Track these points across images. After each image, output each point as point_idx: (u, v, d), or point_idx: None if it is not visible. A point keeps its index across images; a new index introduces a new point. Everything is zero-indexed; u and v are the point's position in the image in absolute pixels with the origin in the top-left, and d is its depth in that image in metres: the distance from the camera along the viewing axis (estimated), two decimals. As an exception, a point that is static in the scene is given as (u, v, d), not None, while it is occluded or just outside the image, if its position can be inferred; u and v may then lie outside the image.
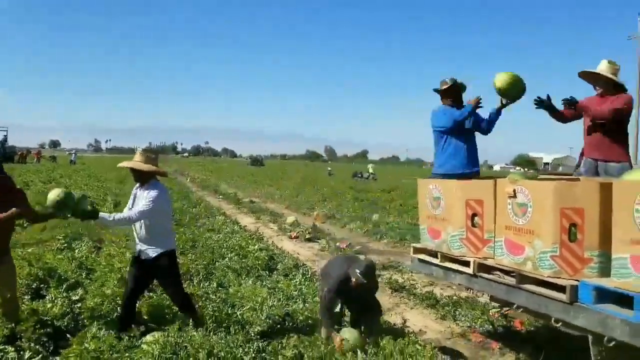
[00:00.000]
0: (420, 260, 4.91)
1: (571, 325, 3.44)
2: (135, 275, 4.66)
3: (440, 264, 4.56)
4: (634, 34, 28.97)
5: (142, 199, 4.50)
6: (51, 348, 4.28)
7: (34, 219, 4.94)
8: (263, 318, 5.09)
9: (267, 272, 7.24)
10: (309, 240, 11.08)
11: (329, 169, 52.58)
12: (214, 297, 5.78)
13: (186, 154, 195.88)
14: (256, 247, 8.66)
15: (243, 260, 7.70)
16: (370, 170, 42.99)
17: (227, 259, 7.69)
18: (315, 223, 12.98)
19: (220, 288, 6.27)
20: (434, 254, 4.70)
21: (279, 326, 4.98)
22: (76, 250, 7.97)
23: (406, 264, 8.64)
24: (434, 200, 4.69)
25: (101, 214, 4.34)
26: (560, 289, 3.40)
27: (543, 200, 3.59)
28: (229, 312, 5.29)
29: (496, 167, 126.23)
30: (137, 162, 4.60)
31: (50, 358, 4.12)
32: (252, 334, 4.64)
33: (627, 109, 4.82)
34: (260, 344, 4.34)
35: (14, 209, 4.21)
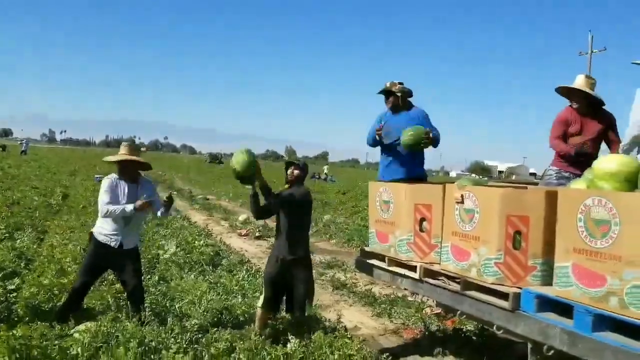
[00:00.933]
0: (368, 264, 4.85)
1: (512, 332, 3.46)
2: (98, 267, 4.74)
3: (388, 267, 4.52)
4: (584, 52, 29.96)
5: (145, 192, 4.64)
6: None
7: None
8: (201, 311, 5.16)
9: (211, 268, 7.29)
10: (258, 237, 11.17)
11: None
12: (153, 289, 5.82)
13: (144, 149, 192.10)
14: (202, 242, 8.70)
15: (188, 255, 7.73)
16: (325, 172, 43.23)
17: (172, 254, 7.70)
18: (266, 222, 13.05)
19: (161, 282, 6.31)
20: (381, 258, 4.65)
21: (216, 319, 5.05)
22: (18, 241, 7.84)
23: (352, 265, 8.86)
24: (384, 204, 4.65)
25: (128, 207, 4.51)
26: (503, 296, 3.40)
27: (490, 206, 3.59)
28: (167, 304, 5.35)
29: (452, 174, 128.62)
30: (133, 156, 4.69)
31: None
32: (189, 326, 4.71)
33: None
34: (194, 336, 4.41)
35: None
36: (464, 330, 5.43)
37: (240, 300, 5.71)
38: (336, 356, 4.03)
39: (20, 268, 6.36)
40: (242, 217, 13.45)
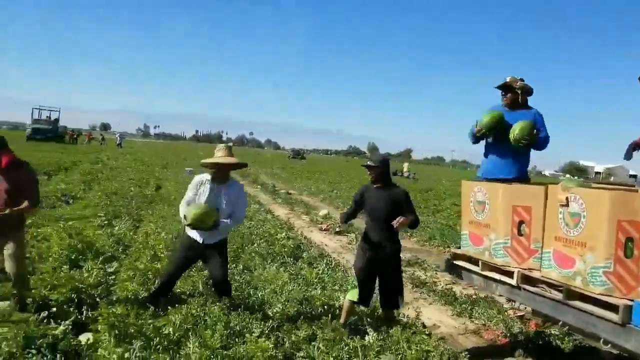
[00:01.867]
0: (460, 267, 4.64)
1: (621, 347, 3.28)
2: (187, 259, 4.91)
3: (481, 272, 4.31)
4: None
5: (232, 194, 4.77)
6: (84, 313, 4.64)
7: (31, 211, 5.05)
8: (282, 300, 5.33)
9: (292, 260, 7.49)
10: (338, 233, 11.28)
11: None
12: (238, 277, 6.09)
13: (231, 144, 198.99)
14: (284, 235, 8.93)
15: (270, 247, 7.98)
16: (406, 169, 42.71)
17: (255, 245, 7.97)
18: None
19: (245, 271, 6.57)
20: (474, 261, 4.44)
21: (296, 309, 5.20)
22: (116, 227, 8.42)
23: (433, 264, 8.76)
24: (478, 204, 4.42)
25: (222, 223, 4.67)
26: (612, 308, 3.18)
27: (598, 210, 3.33)
28: (251, 292, 5.58)
29: (545, 174, 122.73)
30: (232, 157, 4.81)
31: (82, 321, 4.47)
32: (270, 314, 4.91)
33: None
34: (276, 323, 4.59)
35: (26, 203, 4.44)
36: (547, 333, 5.25)
37: (319, 291, 5.84)
38: (413, 351, 4.06)
39: (118, 253, 6.86)
40: (322, 212, 13.64)
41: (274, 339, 3.99)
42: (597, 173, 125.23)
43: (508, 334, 5.40)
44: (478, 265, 4.35)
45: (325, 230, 11.55)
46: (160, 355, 3.65)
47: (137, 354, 3.61)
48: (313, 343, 4.21)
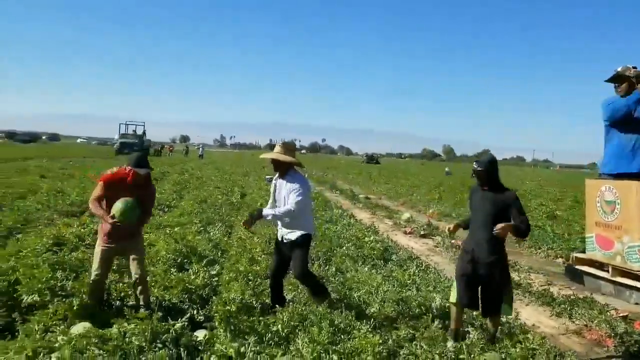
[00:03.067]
0: (584, 273, 4.37)
1: None
2: (278, 258, 5.18)
3: (612, 278, 4.08)
4: None
5: (285, 189, 5.00)
6: (194, 311, 4.98)
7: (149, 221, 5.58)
8: (378, 301, 5.46)
9: (382, 262, 7.59)
10: (423, 236, 11.26)
11: (447, 169, 51.61)
12: (332, 279, 6.27)
13: (304, 151, 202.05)
14: (372, 238, 9.06)
15: (359, 250, 8.12)
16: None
17: (344, 248, 8.15)
18: (430, 220, 13.10)
19: (338, 273, 6.75)
20: (602, 267, 4.21)
21: (392, 309, 5.31)
22: (211, 233, 8.88)
23: (525, 265, 8.58)
24: (607, 205, 4.19)
25: (264, 211, 4.94)
26: None
27: None
28: (347, 293, 5.74)
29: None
30: (278, 153, 5.07)
31: (195, 316, 4.80)
32: (368, 313, 5.05)
33: None
34: (377, 322, 4.72)
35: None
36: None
37: (415, 292, 5.91)
38: (518, 349, 4.05)
39: (217, 257, 7.24)
40: (405, 216, 13.64)
41: (379, 336, 4.11)
42: None
43: (612, 334, 5.24)
44: (607, 271, 4.10)
45: (409, 233, 11.56)
46: (273, 349, 3.88)
47: (252, 348, 3.85)
48: (414, 342, 4.31)
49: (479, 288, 4.40)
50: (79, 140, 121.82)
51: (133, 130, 52.41)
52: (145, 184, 4.82)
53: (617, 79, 4.69)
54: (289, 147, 5.21)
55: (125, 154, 44.22)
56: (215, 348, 3.93)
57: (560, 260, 8.78)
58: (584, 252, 5.00)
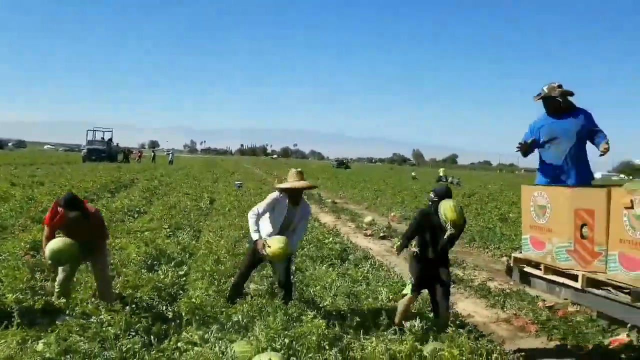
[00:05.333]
0: (521, 271, 4.76)
1: None
2: (255, 263, 5.56)
3: (544, 276, 4.43)
4: None
5: (299, 214, 5.35)
6: (163, 307, 5.51)
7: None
8: (331, 295, 6.08)
9: (339, 261, 8.22)
10: (382, 238, 11.95)
11: (413, 173, 52.76)
12: (292, 277, 6.88)
13: (275, 156, 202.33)
14: (331, 240, 9.69)
15: (319, 250, 8.75)
16: (441, 174, 42.96)
17: (305, 249, 8.76)
18: (390, 223, 13.81)
19: (298, 271, 7.35)
20: (536, 265, 4.55)
21: (344, 302, 5.92)
22: (180, 237, 9.38)
23: (471, 263, 9.32)
24: (539, 209, 4.50)
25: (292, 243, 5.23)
26: None
27: None
28: (304, 289, 6.35)
29: (597, 175, 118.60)
30: (304, 182, 5.39)
31: (164, 311, 5.33)
32: (321, 306, 5.67)
33: None
34: (326, 312, 5.34)
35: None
36: (572, 320, 5.79)
37: (364, 287, 6.56)
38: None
39: (185, 258, 7.77)
40: (367, 219, 14.33)
41: (326, 322, 4.71)
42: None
43: (536, 321, 5.97)
44: (540, 269, 4.47)
45: (369, 235, 12.25)
46: (233, 335, 4.46)
47: (215, 335, 4.42)
48: (360, 329, 4.93)
49: (429, 291, 5.13)
50: (46, 147, 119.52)
51: (101, 137, 52.05)
52: (82, 221, 5.10)
53: (544, 99, 5.10)
54: (301, 173, 5.48)
55: (93, 160, 43.94)
56: (182, 336, 4.48)
57: (505, 258, 9.57)
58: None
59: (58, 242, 4.92)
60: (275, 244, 4.92)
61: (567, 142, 5.06)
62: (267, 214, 5.29)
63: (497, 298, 6.90)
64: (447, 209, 4.86)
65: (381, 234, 12.23)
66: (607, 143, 4.88)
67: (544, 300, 6.61)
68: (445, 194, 5.10)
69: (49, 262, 5.09)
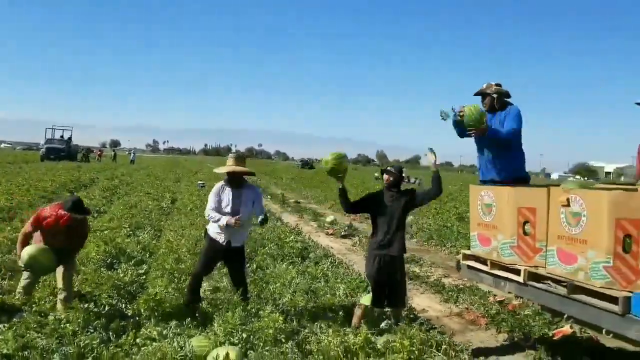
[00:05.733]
0: (469, 267, 4.92)
1: (623, 337, 3.51)
2: (212, 260, 5.47)
3: (490, 271, 4.54)
4: None
5: (246, 197, 5.30)
6: (123, 305, 5.54)
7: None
8: (290, 292, 6.21)
9: (299, 259, 8.35)
10: (344, 237, 12.15)
11: (376, 174, 53.26)
12: (252, 275, 6.98)
13: (238, 153, 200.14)
14: (292, 239, 9.82)
15: (280, 249, 8.86)
16: (404, 175, 43.56)
17: (266, 248, 8.86)
18: (351, 222, 14.02)
19: (258, 269, 7.46)
20: (483, 261, 4.72)
21: (302, 298, 6.05)
22: (140, 236, 9.35)
23: (428, 261, 9.59)
24: (486, 207, 4.66)
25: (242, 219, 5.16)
26: (613, 300, 3.38)
27: (598, 209, 3.53)
28: (263, 286, 6.46)
29: (554, 176, 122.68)
30: (241, 167, 5.34)
31: (123, 309, 5.37)
32: (280, 303, 5.79)
33: None
34: (285, 307, 5.47)
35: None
36: (520, 314, 6.07)
37: (323, 284, 6.72)
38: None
39: (145, 257, 7.78)
40: (329, 219, 14.51)
41: (283, 317, 4.84)
42: (607, 173, 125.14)
43: (486, 315, 6.23)
44: (487, 265, 4.65)
45: (331, 234, 12.42)
46: (192, 331, 4.54)
47: (173, 331, 4.50)
48: (316, 323, 5.07)
49: (388, 286, 4.96)
50: (2, 145, 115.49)
51: (60, 136, 50.79)
52: (80, 227, 5.30)
53: (481, 94, 5.34)
54: (241, 158, 5.50)
55: (51, 159, 42.77)
56: (140, 332, 4.53)
57: (460, 256, 9.89)
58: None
59: (40, 251, 4.99)
60: (332, 155, 5.04)
61: (490, 140, 5.18)
62: (220, 203, 5.29)
63: (450, 293, 7.15)
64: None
65: (342, 233, 12.42)
66: (498, 135, 4.98)
67: (494, 295, 6.89)
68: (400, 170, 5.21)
69: (22, 265, 5.09)
